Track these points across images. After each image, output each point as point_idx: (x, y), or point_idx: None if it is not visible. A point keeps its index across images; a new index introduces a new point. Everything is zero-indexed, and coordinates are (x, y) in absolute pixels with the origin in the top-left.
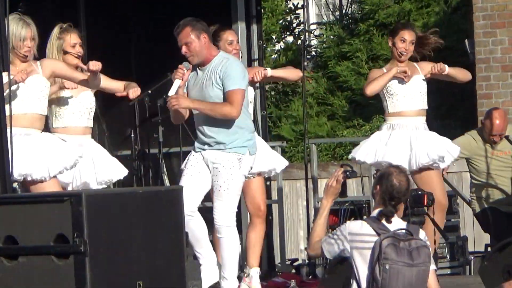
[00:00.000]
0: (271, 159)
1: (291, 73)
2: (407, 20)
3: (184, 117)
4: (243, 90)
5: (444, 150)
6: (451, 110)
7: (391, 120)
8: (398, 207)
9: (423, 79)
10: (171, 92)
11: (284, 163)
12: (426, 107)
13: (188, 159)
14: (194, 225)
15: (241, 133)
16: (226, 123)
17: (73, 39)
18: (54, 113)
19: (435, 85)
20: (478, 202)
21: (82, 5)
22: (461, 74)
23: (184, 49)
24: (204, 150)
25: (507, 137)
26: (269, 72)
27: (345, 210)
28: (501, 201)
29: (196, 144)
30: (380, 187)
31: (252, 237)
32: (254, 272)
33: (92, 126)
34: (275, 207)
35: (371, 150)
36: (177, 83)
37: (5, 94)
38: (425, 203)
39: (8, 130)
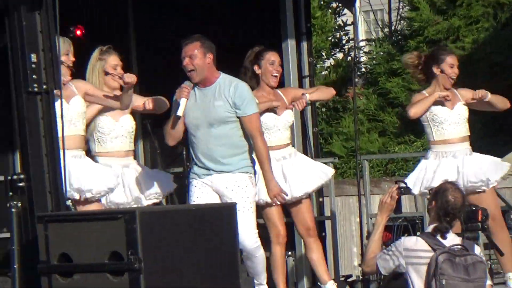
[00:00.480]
0: (316, 175)
1: (325, 94)
2: (456, 36)
3: (180, 137)
4: (258, 114)
5: (490, 170)
6: (499, 127)
7: (437, 148)
8: (453, 223)
9: (465, 106)
10: (180, 112)
11: (330, 171)
12: (469, 133)
13: (191, 191)
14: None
15: (246, 153)
16: (231, 144)
17: (114, 61)
18: (97, 138)
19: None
20: None
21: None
22: (501, 102)
23: (186, 61)
24: (211, 175)
25: None
26: (307, 97)
27: (399, 226)
28: None
29: (198, 171)
30: (435, 202)
31: (314, 258)
32: (330, 284)
33: (133, 148)
34: (328, 224)
35: (418, 180)
36: (183, 101)
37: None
38: (480, 218)
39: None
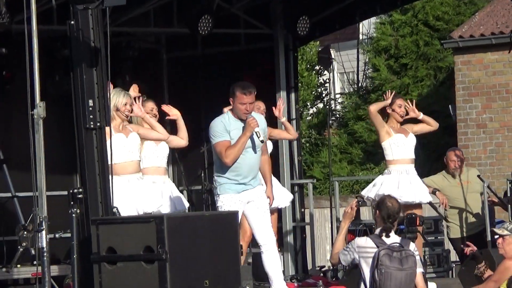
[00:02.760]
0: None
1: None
2: (406, 91)
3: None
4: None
5: (422, 196)
6: (440, 157)
7: (390, 167)
8: (394, 223)
9: (413, 134)
10: (262, 138)
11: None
12: (414, 157)
13: (225, 204)
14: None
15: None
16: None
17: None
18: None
19: (427, 138)
20: (453, 227)
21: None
22: (432, 121)
23: (250, 107)
24: (247, 190)
25: (478, 176)
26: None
27: (360, 230)
28: (471, 225)
29: (236, 187)
30: (379, 211)
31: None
32: None
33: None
34: (308, 228)
35: (373, 188)
36: (257, 129)
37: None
38: (418, 223)
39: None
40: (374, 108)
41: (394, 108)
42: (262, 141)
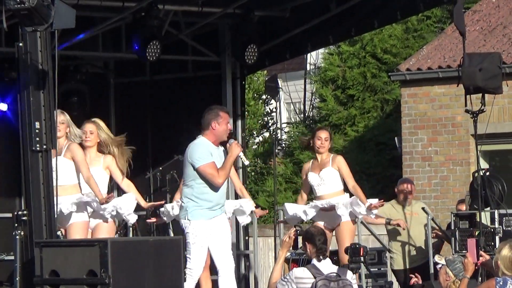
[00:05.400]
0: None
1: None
2: (352, 122)
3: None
4: None
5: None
6: (384, 189)
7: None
8: (325, 244)
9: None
10: (246, 162)
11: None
12: (342, 187)
13: (197, 230)
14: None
15: None
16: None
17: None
18: None
19: (372, 169)
20: (397, 258)
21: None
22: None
23: (230, 127)
24: (216, 217)
25: (423, 209)
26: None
27: (303, 260)
28: (414, 257)
29: (208, 213)
30: (308, 241)
31: None
32: None
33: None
34: (252, 256)
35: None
36: (241, 153)
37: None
38: (361, 253)
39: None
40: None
41: (314, 141)
42: (247, 165)
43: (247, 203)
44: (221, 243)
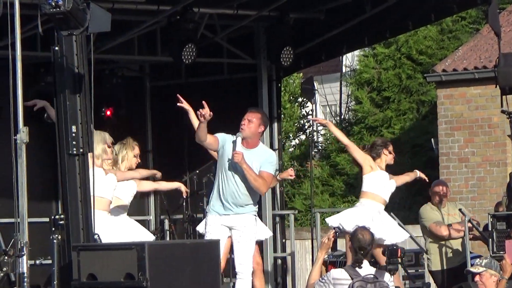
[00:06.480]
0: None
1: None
2: (388, 124)
3: (205, 140)
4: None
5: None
6: (421, 190)
7: (362, 200)
8: (367, 255)
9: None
10: (238, 148)
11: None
12: (387, 201)
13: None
14: None
15: None
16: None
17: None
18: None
19: (411, 171)
20: (434, 259)
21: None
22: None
23: (244, 122)
24: (229, 215)
25: (460, 210)
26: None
27: (341, 262)
28: (452, 258)
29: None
30: (352, 243)
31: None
32: None
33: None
34: (289, 259)
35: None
36: (239, 139)
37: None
38: (399, 255)
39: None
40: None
41: (390, 150)
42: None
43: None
44: (237, 245)
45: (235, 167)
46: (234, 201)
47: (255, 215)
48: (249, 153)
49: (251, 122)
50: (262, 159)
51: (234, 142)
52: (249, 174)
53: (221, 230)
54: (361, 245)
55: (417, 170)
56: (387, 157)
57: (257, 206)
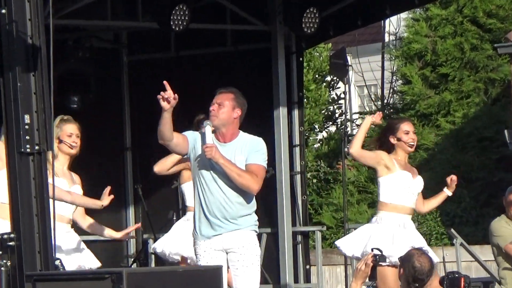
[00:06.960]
0: None
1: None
2: (447, 111)
3: (171, 139)
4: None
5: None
6: (489, 199)
7: (380, 214)
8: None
9: (421, 179)
10: (209, 141)
11: None
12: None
13: None
14: None
15: None
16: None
17: (70, 129)
18: None
19: (475, 173)
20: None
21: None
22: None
23: (213, 107)
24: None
25: None
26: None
27: None
28: None
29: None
30: (403, 270)
31: None
32: None
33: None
34: None
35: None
36: (209, 129)
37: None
38: (462, 285)
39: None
40: (355, 148)
41: (400, 136)
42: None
43: None
44: (234, 272)
45: (215, 168)
46: (223, 214)
47: (255, 230)
48: (227, 148)
49: (222, 105)
50: (246, 150)
51: (203, 134)
52: (229, 170)
53: (215, 256)
54: (416, 275)
55: (446, 189)
56: (404, 142)
57: (257, 218)
